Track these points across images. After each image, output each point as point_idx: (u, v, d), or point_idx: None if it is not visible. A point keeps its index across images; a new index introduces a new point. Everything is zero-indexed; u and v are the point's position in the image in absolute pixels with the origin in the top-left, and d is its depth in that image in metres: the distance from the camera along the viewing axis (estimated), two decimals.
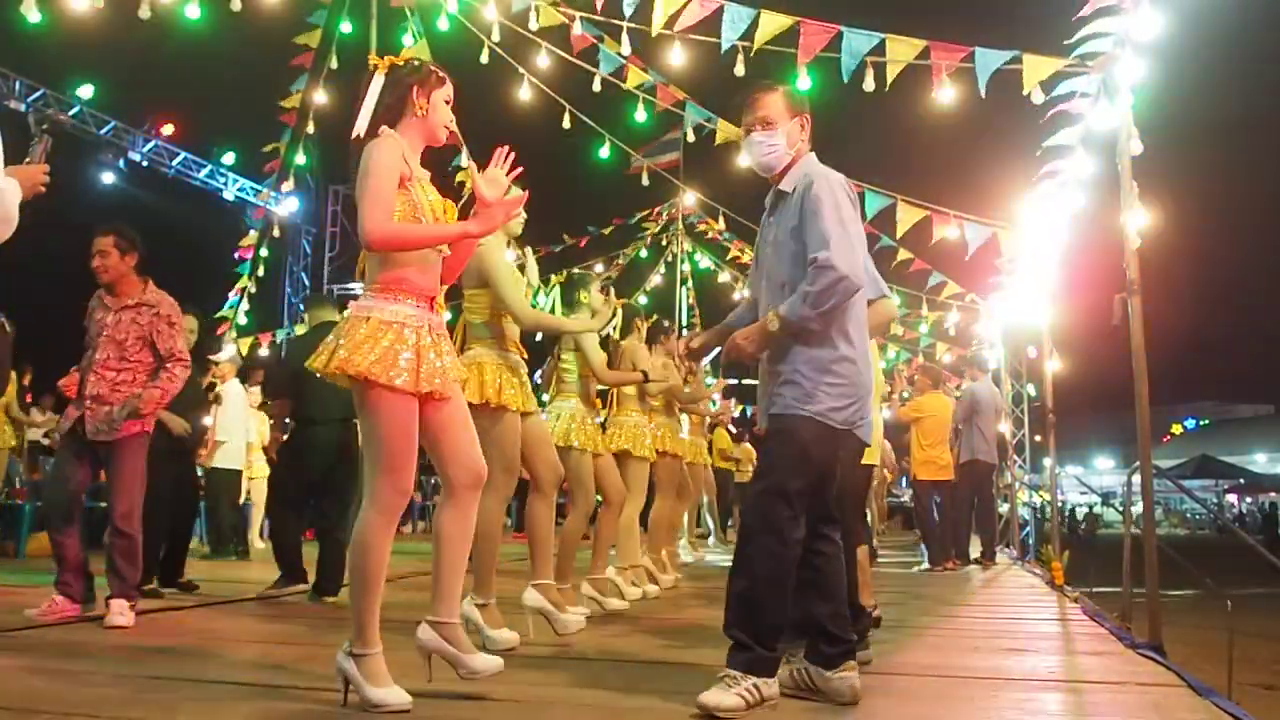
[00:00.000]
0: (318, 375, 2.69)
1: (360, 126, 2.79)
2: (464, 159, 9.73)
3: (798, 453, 2.71)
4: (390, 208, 2.67)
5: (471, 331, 3.83)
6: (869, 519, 7.25)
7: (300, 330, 5.87)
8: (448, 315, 2.91)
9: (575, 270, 5.00)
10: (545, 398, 4.92)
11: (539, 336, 4.63)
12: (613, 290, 5.41)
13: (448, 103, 2.89)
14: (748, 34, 5.70)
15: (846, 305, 2.74)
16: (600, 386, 5.06)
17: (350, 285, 19.44)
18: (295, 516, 5.61)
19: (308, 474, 5.34)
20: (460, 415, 2.85)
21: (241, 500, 9.03)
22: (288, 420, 5.57)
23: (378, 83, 2.84)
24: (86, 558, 4.29)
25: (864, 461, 4.02)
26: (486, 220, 2.78)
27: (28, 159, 2.57)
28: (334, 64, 8.81)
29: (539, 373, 4.99)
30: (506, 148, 2.90)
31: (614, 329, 5.60)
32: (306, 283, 17.62)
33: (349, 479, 5.58)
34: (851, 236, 2.70)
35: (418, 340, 2.68)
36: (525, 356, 3.99)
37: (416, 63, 2.91)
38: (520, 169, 2.89)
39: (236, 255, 11.96)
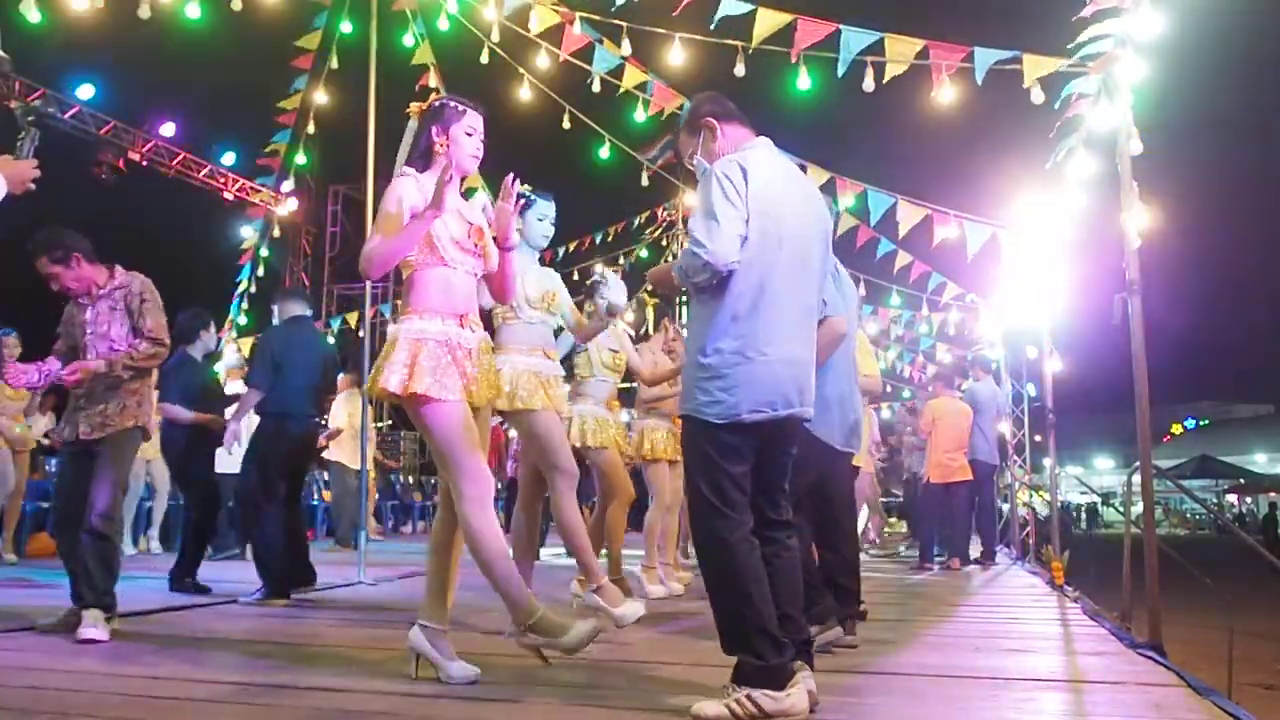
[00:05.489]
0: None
1: (397, 169, 3.02)
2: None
3: (693, 454, 2.63)
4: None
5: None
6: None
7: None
8: (481, 333, 3.01)
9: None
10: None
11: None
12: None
13: (470, 133, 3.03)
14: (746, 32, 5.71)
15: (723, 295, 2.59)
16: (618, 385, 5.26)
17: (351, 285, 19.43)
18: (279, 517, 5.21)
19: (278, 467, 5.21)
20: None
21: None
22: (256, 414, 5.29)
23: (410, 128, 3.06)
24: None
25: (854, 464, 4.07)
26: (435, 202, 2.83)
27: (14, 154, 2.52)
28: (334, 64, 8.81)
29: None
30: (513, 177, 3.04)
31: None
32: (307, 283, 17.61)
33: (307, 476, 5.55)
34: (720, 220, 2.54)
35: (450, 353, 2.85)
36: (553, 358, 4.08)
37: (437, 104, 3.07)
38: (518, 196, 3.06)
39: (238, 262, 11.99)
